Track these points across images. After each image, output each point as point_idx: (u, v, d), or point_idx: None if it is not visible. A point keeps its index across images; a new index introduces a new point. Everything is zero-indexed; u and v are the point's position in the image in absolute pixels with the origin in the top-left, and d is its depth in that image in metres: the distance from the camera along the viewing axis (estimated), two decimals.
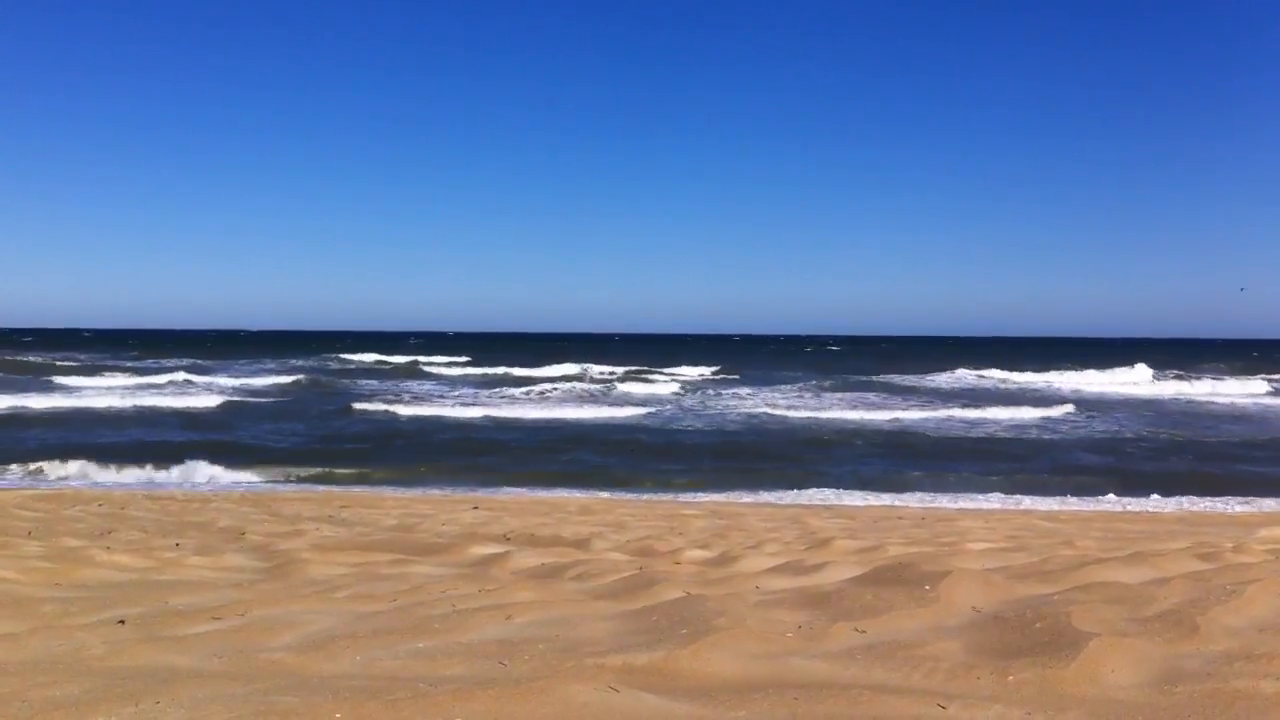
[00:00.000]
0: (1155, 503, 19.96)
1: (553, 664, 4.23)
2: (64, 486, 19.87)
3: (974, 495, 21.02)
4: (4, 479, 21.20)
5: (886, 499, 19.98)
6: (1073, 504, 19.77)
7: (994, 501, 20.08)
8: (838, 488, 21.58)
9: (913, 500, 19.90)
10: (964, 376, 66.60)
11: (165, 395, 43.23)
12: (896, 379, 61.49)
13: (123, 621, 5.26)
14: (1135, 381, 63.89)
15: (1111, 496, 20.85)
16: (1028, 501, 20.08)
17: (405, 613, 5.47)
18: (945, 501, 19.79)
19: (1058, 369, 72.36)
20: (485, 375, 62.29)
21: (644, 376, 61.28)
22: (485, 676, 4.05)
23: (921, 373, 67.08)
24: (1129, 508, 19.13)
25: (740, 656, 4.37)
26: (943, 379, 64.26)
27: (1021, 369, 71.03)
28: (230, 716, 3.35)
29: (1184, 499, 20.50)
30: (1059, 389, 57.58)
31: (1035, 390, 57.03)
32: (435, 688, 3.72)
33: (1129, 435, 33.61)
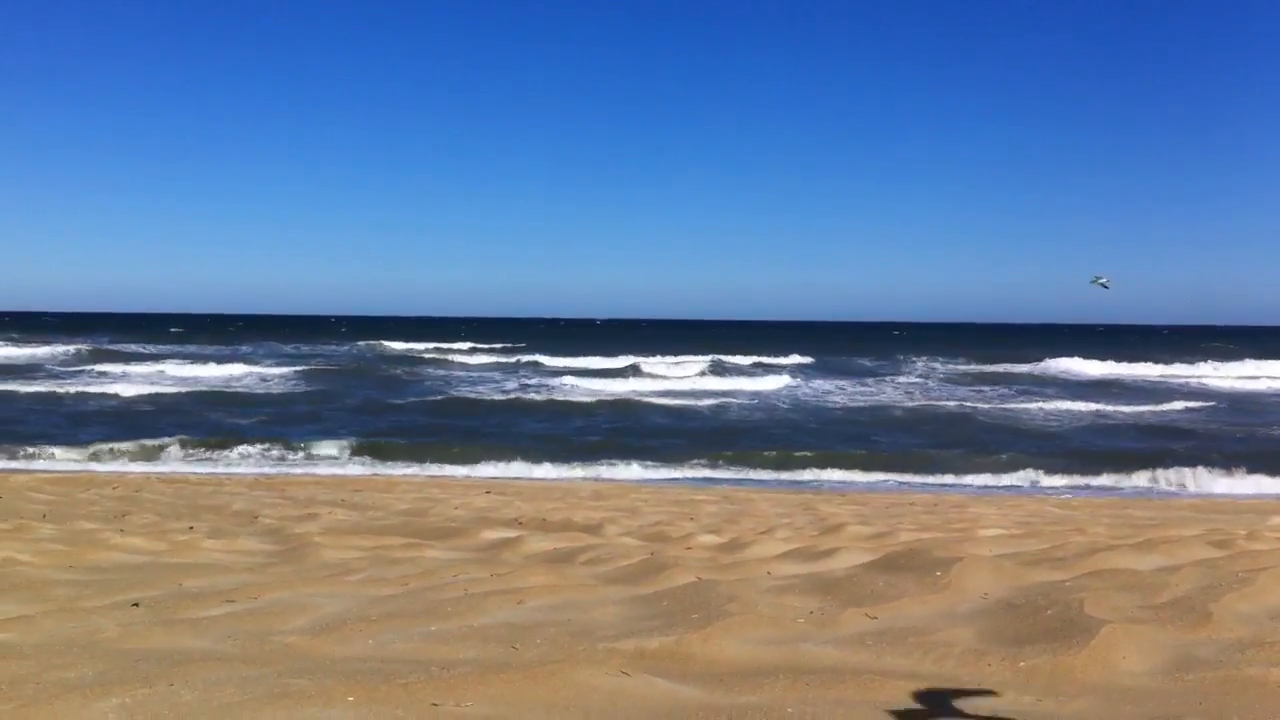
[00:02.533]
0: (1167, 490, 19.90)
1: (564, 648, 4.25)
2: (79, 470, 20.00)
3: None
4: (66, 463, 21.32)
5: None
6: (1085, 490, 19.74)
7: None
8: None
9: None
10: (1074, 367, 57.31)
11: (231, 385, 41.51)
12: (1012, 368, 55.50)
13: (137, 604, 5.29)
14: None
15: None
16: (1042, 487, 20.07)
17: (417, 597, 5.49)
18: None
19: (1163, 361, 61.96)
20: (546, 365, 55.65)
21: (728, 367, 55.04)
22: (497, 660, 4.06)
23: (1013, 361, 60.30)
24: (1142, 494, 19.09)
25: (751, 642, 4.38)
26: (1058, 367, 56.89)
27: (1121, 359, 61.28)
28: (244, 699, 3.37)
29: None
30: (1212, 385, 48.89)
31: (1183, 383, 49.21)
32: (447, 671, 3.74)
33: None
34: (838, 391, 43.23)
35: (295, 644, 4.44)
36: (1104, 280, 8.86)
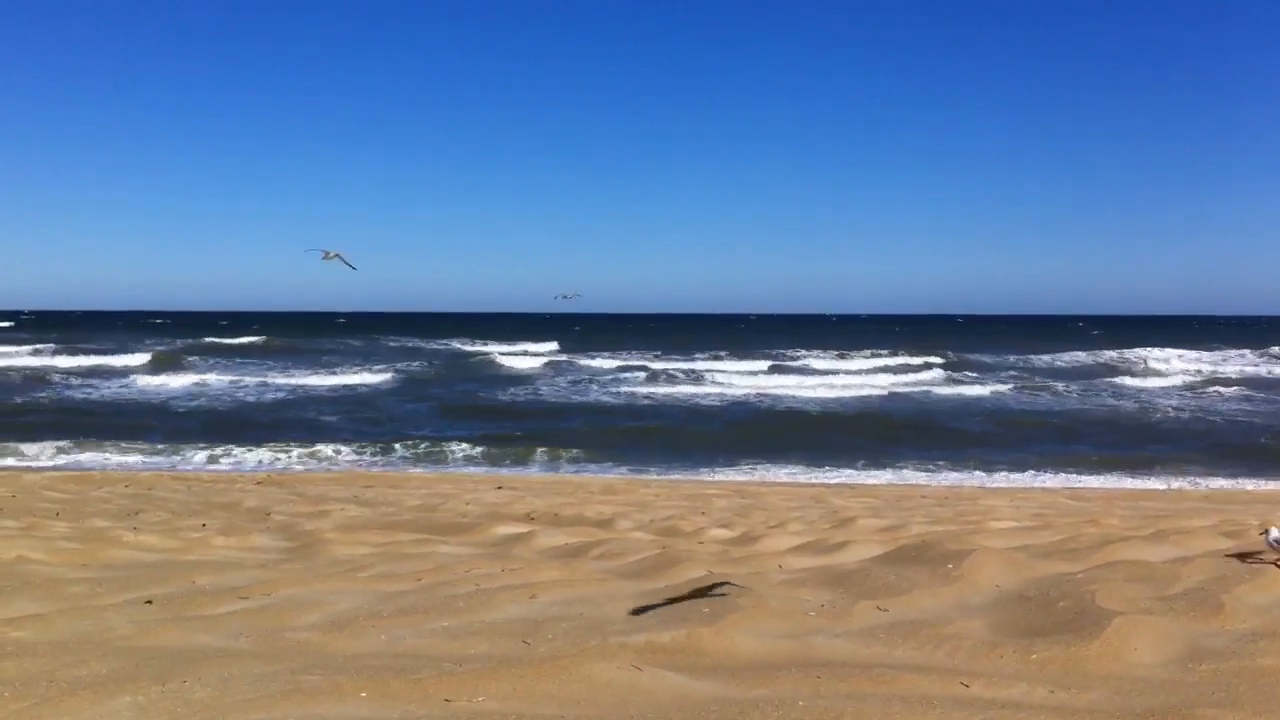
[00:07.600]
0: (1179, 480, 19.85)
1: (576, 643, 4.25)
2: (92, 468, 20.07)
3: None
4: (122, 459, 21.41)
5: None
6: (1097, 481, 19.73)
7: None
8: None
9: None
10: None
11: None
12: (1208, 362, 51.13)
13: (150, 601, 5.31)
14: None
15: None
16: (1053, 480, 20.05)
17: (429, 592, 5.50)
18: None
19: None
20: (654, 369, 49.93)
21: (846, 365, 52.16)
22: (509, 655, 4.07)
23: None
24: (1151, 485, 19.05)
25: (763, 635, 4.37)
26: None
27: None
28: (257, 695, 3.38)
29: None
30: None
31: None
32: (460, 666, 3.74)
33: None
34: (1062, 396, 37.53)
35: (308, 640, 4.45)
36: (333, 255, 7.97)
